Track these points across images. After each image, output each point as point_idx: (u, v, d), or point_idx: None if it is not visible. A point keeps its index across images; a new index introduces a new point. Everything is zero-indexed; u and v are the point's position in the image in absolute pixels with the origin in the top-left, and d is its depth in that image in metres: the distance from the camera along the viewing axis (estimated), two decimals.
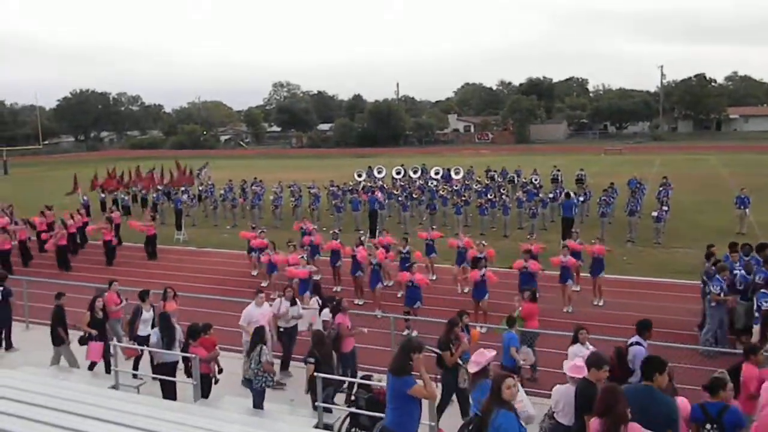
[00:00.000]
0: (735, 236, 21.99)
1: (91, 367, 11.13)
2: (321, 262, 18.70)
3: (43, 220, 23.84)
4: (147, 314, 11.39)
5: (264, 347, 9.31)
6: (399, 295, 16.17)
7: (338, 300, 11.12)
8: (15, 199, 32.98)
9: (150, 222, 23.35)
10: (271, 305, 11.86)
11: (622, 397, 5.53)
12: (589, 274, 16.23)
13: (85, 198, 31.02)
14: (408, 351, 6.64)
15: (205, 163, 44.64)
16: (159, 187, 34.97)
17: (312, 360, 9.13)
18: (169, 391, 9.87)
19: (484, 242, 17.00)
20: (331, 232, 18.74)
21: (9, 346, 13.40)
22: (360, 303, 16.10)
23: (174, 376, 9.98)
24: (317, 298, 13.02)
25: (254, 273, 19.54)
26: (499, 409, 5.78)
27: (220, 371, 10.07)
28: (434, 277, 17.80)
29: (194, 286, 18.11)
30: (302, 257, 16.16)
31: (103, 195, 34.17)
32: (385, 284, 16.77)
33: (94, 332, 11.09)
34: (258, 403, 9.19)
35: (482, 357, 7.01)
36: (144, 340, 10.93)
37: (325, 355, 9.21)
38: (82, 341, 11.19)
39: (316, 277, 18.11)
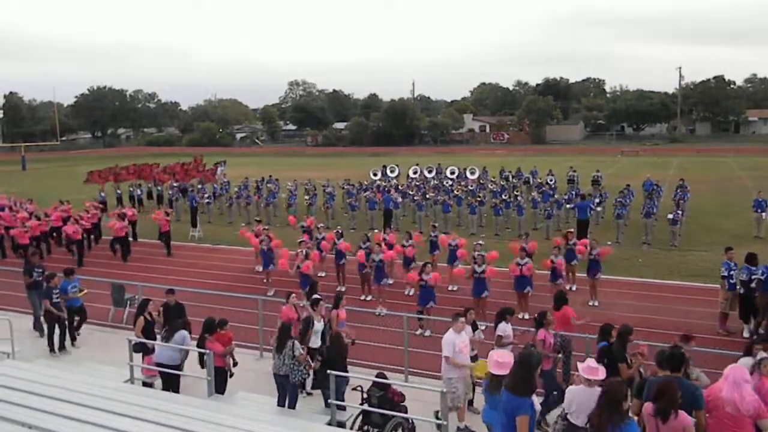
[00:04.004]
0: (752, 240, 21.84)
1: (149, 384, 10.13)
2: (326, 260, 18.83)
3: (59, 215, 24.02)
4: (318, 325, 10.69)
5: (295, 342, 9.33)
6: (410, 294, 16.23)
7: (542, 314, 9.90)
8: (33, 194, 33.33)
9: (165, 216, 23.31)
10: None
11: (678, 388, 6.12)
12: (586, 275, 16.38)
13: (102, 194, 31.29)
14: (530, 367, 6.32)
15: (222, 161, 44.78)
16: (174, 184, 35.23)
17: (320, 358, 9.24)
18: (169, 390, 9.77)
19: (481, 242, 16.89)
20: (334, 231, 18.76)
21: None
22: (367, 299, 16.23)
23: (175, 378, 9.88)
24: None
25: (258, 268, 19.62)
26: (622, 421, 5.58)
27: (235, 364, 10.13)
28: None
29: (208, 282, 18.26)
30: (301, 251, 16.23)
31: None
32: (390, 282, 17.17)
33: (149, 343, 10.39)
34: (292, 400, 9.19)
35: (507, 358, 6.99)
36: (316, 353, 10.36)
37: (337, 355, 9.20)
38: (137, 349, 10.30)
39: (321, 274, 18.34)
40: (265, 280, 17.90)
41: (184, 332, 10.03)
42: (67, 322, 13.14)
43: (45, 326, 13.25)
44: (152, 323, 11.14)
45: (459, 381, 9.26)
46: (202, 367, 9.67)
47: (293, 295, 11.67)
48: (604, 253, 16.23)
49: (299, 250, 16.28)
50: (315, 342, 10.43)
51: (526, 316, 14.28)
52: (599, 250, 16.12)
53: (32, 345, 13.24)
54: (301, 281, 15.31)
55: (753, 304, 13.30)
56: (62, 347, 12.98)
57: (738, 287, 13.52)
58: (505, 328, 10.05)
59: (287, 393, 9.23)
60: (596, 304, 15.60)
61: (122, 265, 21.04)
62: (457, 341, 9.24)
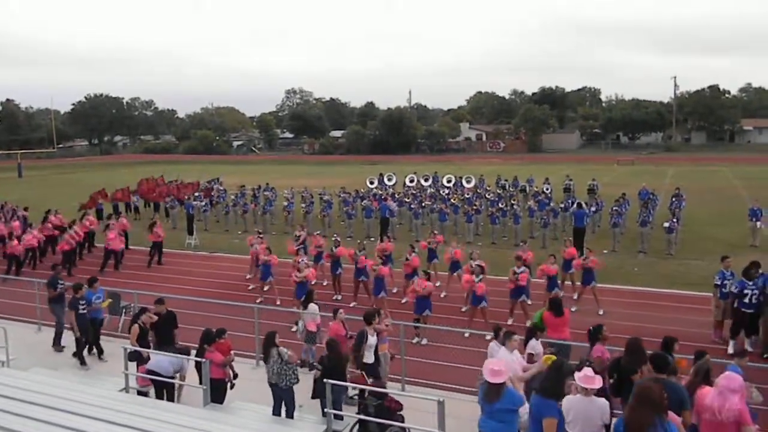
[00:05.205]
0: (747, 249, 21.89)
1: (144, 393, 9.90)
2: (322, 269, 18.78)
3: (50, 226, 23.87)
4: (372, 339, 10.17)
5: (280, 348, 9.28)
6: (403, 302, 16.20)
7: (597, 327, 9.45)
8: (28, 202, 33.26)
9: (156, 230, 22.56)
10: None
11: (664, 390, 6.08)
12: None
13: (99, 203, 31.27)
14: (561, 373, 6.62)
15: (216, 178, 44.44)
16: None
17: (320, 367, 9.18)
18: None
19: (476, 251, 16.88)
20: (332, 239, 18.72)
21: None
22: (352, 306, 15.88)
23: (169, 388, 9.79)
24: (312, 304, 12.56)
25: (248, 276, 19.68)
26: (664, 420, 5.69)
27: (236, 376, 10.07)
28: (438, 284, 17.38)
29: (204, 290, 18.22)
30: (302, 260, 16.17)
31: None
32: (395, 291, 17.13)
33: (144, 351, 10.21)
34: (290, 409, 9.14)
35: (500, 365, 6.96)
36: (371, 369, 9.91)
37: (336, 363, 9.17)
38: (132, 357, 10.08)
39: (323, 282, 18.26)
40: (262, 288, 17.80)
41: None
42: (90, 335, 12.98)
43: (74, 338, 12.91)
44: (147, 331, 11.09)
45: None
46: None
47: (341, 311, 11.24)
48: (576, 265, 16.34)
49: (296, 258, 16.29)
50: (369, 357, 10.08)
51: (510, 321, 14.44)
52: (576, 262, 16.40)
53: (27, 353, 13.19)
54: (296, 290, 15.22)
55: (741, 317, 13.17)
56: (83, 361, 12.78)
57: (729, 298, 13.46)
58: (534, 346, 9.66)
59: (283, 402, 9.19)
60: (601, 312, 15.53)
61: (117, 274, 20.96)
62: (510, 362, 8.61)
